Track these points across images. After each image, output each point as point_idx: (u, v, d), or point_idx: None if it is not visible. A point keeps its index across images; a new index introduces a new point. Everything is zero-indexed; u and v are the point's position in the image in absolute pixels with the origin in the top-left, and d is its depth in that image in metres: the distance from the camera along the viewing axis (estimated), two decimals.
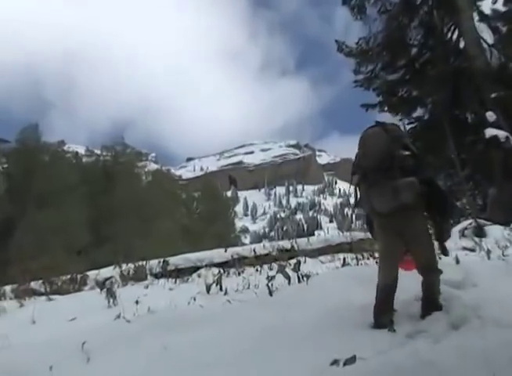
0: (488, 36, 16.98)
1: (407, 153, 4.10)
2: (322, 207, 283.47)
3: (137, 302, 5.70)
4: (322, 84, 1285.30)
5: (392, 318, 3.96)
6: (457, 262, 6.00)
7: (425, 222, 4.13)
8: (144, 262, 10.30)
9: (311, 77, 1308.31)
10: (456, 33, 17.36)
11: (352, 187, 4.34)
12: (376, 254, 8.82)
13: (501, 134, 13.60)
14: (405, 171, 3.99)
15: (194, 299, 5.81)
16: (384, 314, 3.96)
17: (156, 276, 9.82)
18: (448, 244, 4.38)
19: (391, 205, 3.95)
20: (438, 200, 4.12)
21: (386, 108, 18.60)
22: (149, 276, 9.80)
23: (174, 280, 9.01)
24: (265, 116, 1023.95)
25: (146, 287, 8.20)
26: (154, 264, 10.34)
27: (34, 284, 9.42)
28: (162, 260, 10.37)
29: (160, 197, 33.97)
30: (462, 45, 17.15)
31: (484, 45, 16.71)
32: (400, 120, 18.31)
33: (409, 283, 4.05)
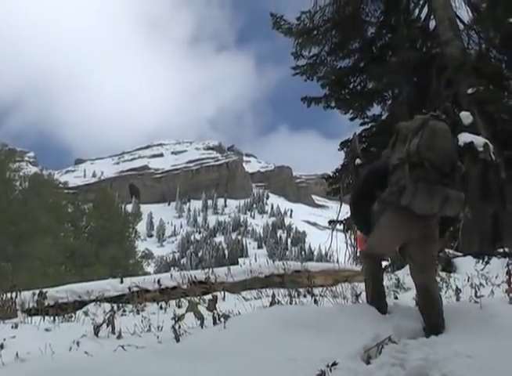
0: (465, 14, 16.64)
1: (462, 166, 4.69)
2: (249, 228, 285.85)
3: (1, 347, 5.51)
4: (270, 65, 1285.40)
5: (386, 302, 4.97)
6: (417, 303, 5.77)
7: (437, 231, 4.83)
8: (13, 294, 9.97)
9: (255, 55, 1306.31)
10: (425, 9, 16.98)
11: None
12: (316, 291, 9.01)
13: (478, 141, 12.75)
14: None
15: (78, 344, 5.65)
16: (373, 298, 4.87)
17: (30, 312, 9.52)
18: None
19: (433, 211, 4.49)
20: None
21: (333, 103, 17.86)
22: (19, 313, 9.50)
23: (52, 317, 8.76)
24: (190, 106, 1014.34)
25: (15, 326, 7.92)
26: (27, 296, 10.01)
27: None
28: (38, 291, 10.08)
29: (39, 209, 33.20)
30: (432, 25, 16.68)
31: (461, 26, 16.31)
32: (351, 119, 17.85)
33: None
